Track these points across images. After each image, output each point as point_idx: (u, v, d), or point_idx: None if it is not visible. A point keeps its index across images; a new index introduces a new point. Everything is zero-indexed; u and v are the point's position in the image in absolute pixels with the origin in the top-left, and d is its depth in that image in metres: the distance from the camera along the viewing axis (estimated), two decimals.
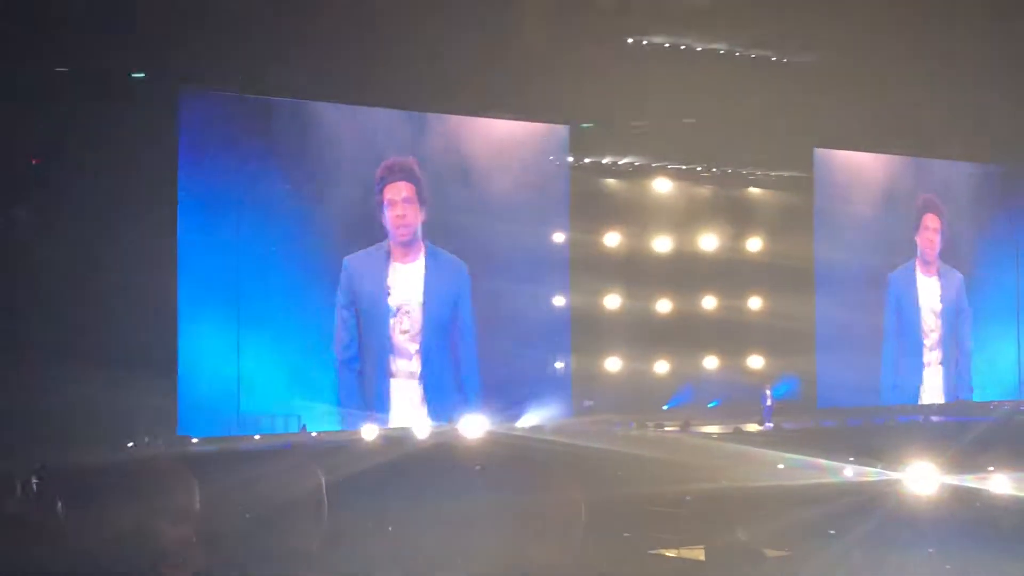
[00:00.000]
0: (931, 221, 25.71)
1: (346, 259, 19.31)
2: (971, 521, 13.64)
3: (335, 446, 15.45)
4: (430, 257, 20.01)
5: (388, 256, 19.73)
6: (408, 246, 19.89)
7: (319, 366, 19.03)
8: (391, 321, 19.57)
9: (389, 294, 19.53)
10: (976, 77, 23.21)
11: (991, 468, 16.53)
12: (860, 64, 22.91)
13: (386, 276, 19.65)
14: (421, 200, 19.98)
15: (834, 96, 22.77)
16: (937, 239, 25.72)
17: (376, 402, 19.31)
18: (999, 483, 15.03)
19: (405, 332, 19.55)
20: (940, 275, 25.78)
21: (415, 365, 19.64)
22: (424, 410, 19.57)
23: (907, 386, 25.21)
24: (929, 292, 25.65)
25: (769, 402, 22.15)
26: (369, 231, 19.67)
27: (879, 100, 23.39)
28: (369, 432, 17.50)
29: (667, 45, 22.36)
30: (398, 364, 19.57)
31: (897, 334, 25.20)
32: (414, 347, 19.67)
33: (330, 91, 19.46)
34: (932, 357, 25.60)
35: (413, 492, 14.09)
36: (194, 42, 17.60)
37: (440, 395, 19.86)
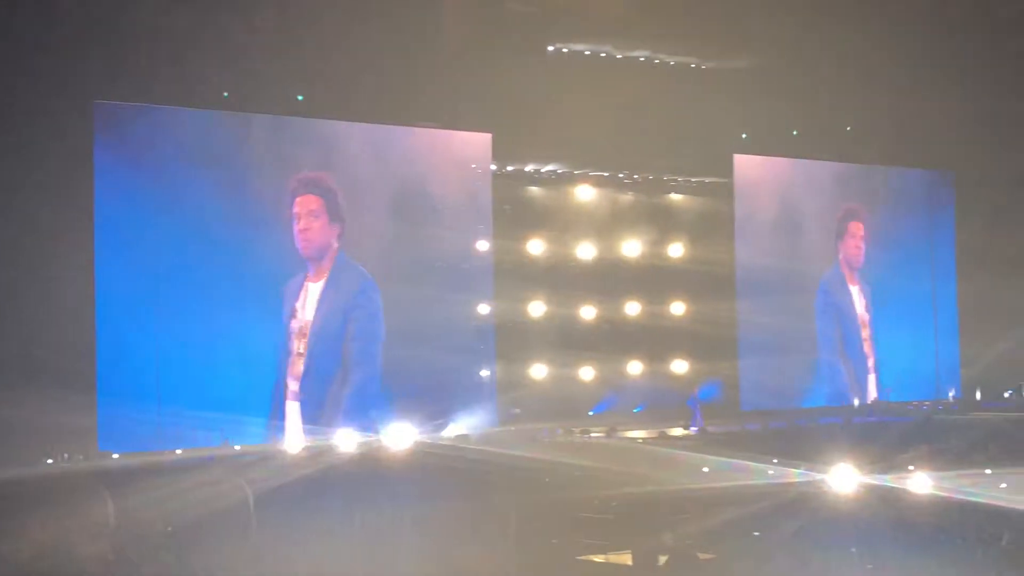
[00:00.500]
0: (856, 228, 26.08)
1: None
2: (892, 520, 13.82)
3: (258, 459, 15.30)
4: (335, 273, 19.89)
5: (305, 277, 19.70)
6: (318, 262, 19.80)
7: (241, 380, 18.87)
8: (293, 341, 19.51)
9: (294, 315, 19.50)
10: (897, 81, 23.63)
11: (911, 468, 16.77)
12: (780, 70, 23.19)
13: (298, 296, 19.58)
14: (331, 214, 19.89)
15: (754, 102, 23.03)
16: (862, 246, 26.08)
17: (279, 417, 19.27)
18: (919, 482, 15.25)
19: (301, 354, 19.51)
20: (861, 281, 26.15)
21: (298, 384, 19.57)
22: (303, 427, 19.40)
23: (834, 389, 25.52)
24: (855, 297, 26.03)
25: (699, 406, 22.31)
26: (286, 245, 19.59)
27: (799, 106, 23.70)
28: (292, 445, 17.36)
29: (587, 53, 22.49)
30: (290, 382, 19.50)
31: (826, 337, 25.57)
32: (301, 364, 19.59)
33: (250, 102, 19.32)
34: (859, 362, 25.99)
35: (338, 504, 14.00)
36: (108, 55, 17.41)
37: (324, 411, 19.64)
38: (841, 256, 25.97)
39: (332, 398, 19.71)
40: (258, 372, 19.21)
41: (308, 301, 19.57)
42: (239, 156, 19.30)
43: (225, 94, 18.98)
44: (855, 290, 26.08)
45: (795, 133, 24.69)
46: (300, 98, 19.56)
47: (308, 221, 19.67)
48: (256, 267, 19.21)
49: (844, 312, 25.95)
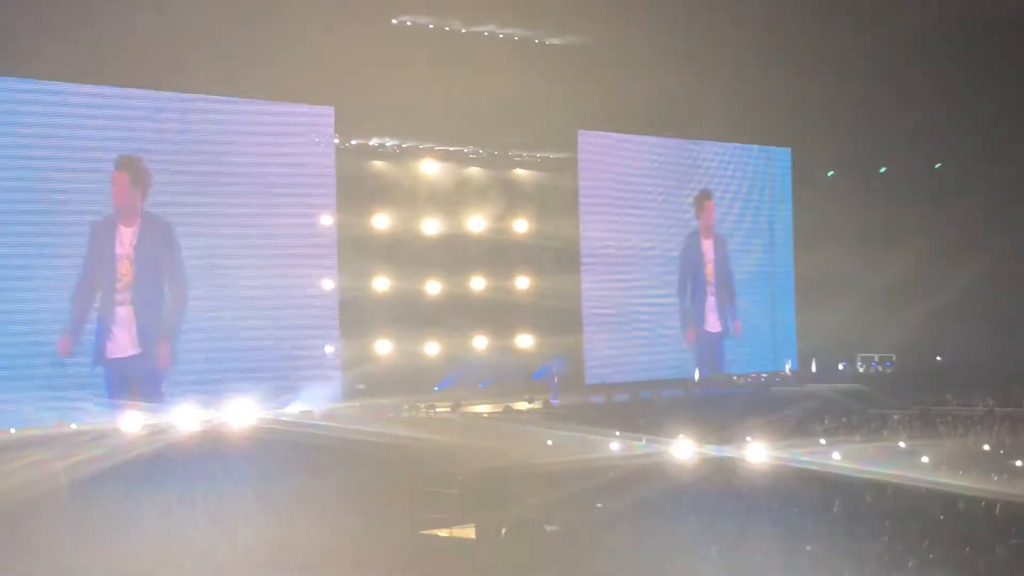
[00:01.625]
0: (709, 204, 26.58)
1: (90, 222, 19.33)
2: (730, 489, 14.14)
3: (93, 438, 14.92)
4: (145, 220, 19.77)
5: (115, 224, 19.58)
6: (128, 216, 19.67)
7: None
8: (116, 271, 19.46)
9: (114, 250, 19.49)
10: (739, 60, 24.04)
11: (748, 438, 17.18)
12: (622, 47, 23.38)
13: (114, 237, 19.47)
14: (135, 185, 19.64)
15: (598, 78, 23.17)
16: (709, 222, 26.59)
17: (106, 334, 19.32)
18: (756, 452, 15.63)
19: (122, 279, 19.40)
20: (715, 242, 26.65)
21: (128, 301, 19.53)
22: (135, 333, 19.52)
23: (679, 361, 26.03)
24: (707, 256, 26.61)
25: (556, 379, 22.48)
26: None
27: (642, 82, 23.91)
28: (130, 423, 16.96)
29: (432, 26, 22.38)
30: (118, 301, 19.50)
31: (691, 290, 26.24)
32: (127, 293, 19.54)
33: (84, 72, 18.80)
34: (712, 310, 26.65)
35: (180, 482, 13.74)
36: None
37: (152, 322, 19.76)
38: (680, 229, 26.38)
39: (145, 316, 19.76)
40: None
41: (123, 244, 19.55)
42: (68, 126, 18.91)
43: None
44: (694, 262, 26.50)
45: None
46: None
47: (119, 188, 19.50)
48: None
49: (700, 271, 26.49)
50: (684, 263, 26.31)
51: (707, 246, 26.74)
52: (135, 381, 19.36)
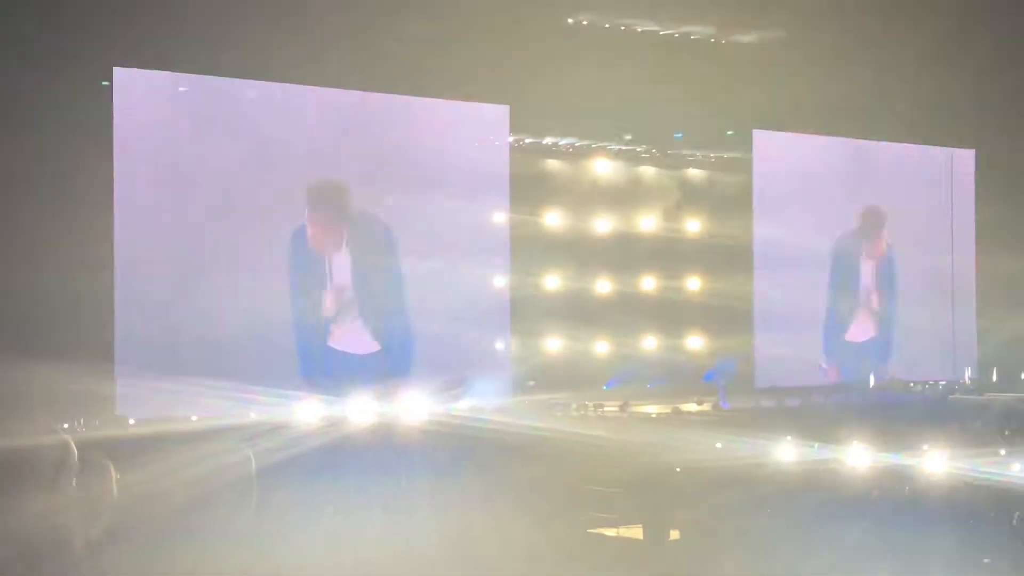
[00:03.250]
0: (874, 205, 25.93)
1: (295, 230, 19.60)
2: (906, 499, 13.82)
3: (269, 429, 15.31)
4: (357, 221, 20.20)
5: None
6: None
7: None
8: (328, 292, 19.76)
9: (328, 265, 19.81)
10: (920, 58, 23.46)
11: (925, 447, 16.75)
12: (799, 45, 23.04)
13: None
14: (342, 217, 20.07)
15: (774, 77, 22.88)
16: (880, 223, 25.95)
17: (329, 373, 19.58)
18: (934, 461, 15.22)
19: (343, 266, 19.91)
20: (877, 256, 26.03)
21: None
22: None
23: (845, 355, 25.49)
24: (870, 271, 25.92)
25: (724, 382, 22.29)
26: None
27: (819, 81, 23.50)
28: (305, 414, 17.35)
29: (607, 25, 22.38)
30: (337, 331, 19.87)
31: (838, 291, 25.54)
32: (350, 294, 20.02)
33: (274, 71, 19.29)
34: (874, 339, 25.90)
35: (356, 477, 14.02)
36: (125, 21, 17.38)
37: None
38: (857, 231, 25.84)
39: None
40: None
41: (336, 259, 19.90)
42: (268, 126, 19.40)
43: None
44: (871, 265, 25.96)
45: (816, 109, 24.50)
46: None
47: (326, 225, 19.91)
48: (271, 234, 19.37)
49: (858, 287, 25.88)
50: (836, 269, 25.61)
51: (867, 251, 26.04)
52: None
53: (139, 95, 18.33)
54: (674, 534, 13.22)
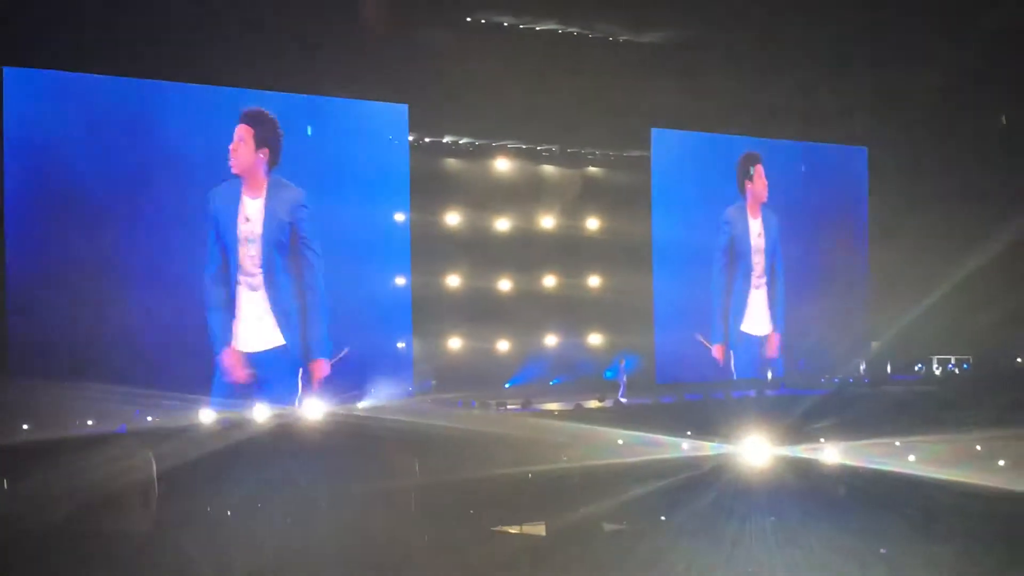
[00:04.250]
0: (759, 169, 26.10)
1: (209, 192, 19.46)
2: (803, 490, 14.00)
3: (171, 432, 15.11)
4: (271, 188, 19.94)
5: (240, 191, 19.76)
6: (251, 180, 19.78)
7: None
8: (239, 248, 19.64)
9: (238, 223, 19.64)
10: (812, 58, 23.84)
11: (822, 439, 17.01)
12: (697, 46, 23.28)
13: (237, 207, 19.65)
14: (258, 141, 19.83)
15: (672, 76, 23.09)
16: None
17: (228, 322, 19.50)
18: (829, 453, 15.46)
19: (251, 256, 19.57)
20: (763, 217, 26.26)
21: (259, 287, 19.74)
22: (271, 327, 19.65)
23: (747, 362, 25.74)
24: (754, 230, 26.18)
25: (624, 377, 22.43)
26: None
27: (716, 81, 23.77)
28: (206, 417, 17.17)
29: (505, 24, 22.40)
30: (245, 286, 19.74)
31: (727, 267, 25.71)
32: (258, 271, 19.77)
33: (169, 70, 19.04)
34: (759, 291, 26.15)
35: (256, 478, 13.87)
36: (19, 21, 17.06)
37: (286, 318, 19.97)
38: (753, 226, 26.11)
39: (280, 307, 20.01)
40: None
41: (250, 216, 19.75)
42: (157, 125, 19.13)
43: None
44: (757, 225, 26.12)
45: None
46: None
47: (236, 144, 19.68)
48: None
49: (750, 244, 26.11)
50: (725, 250, 25.64)
51: (755, 226, 26.15)
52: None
53: (30, 95, 17.97)
54: (576, 530, 13.25)
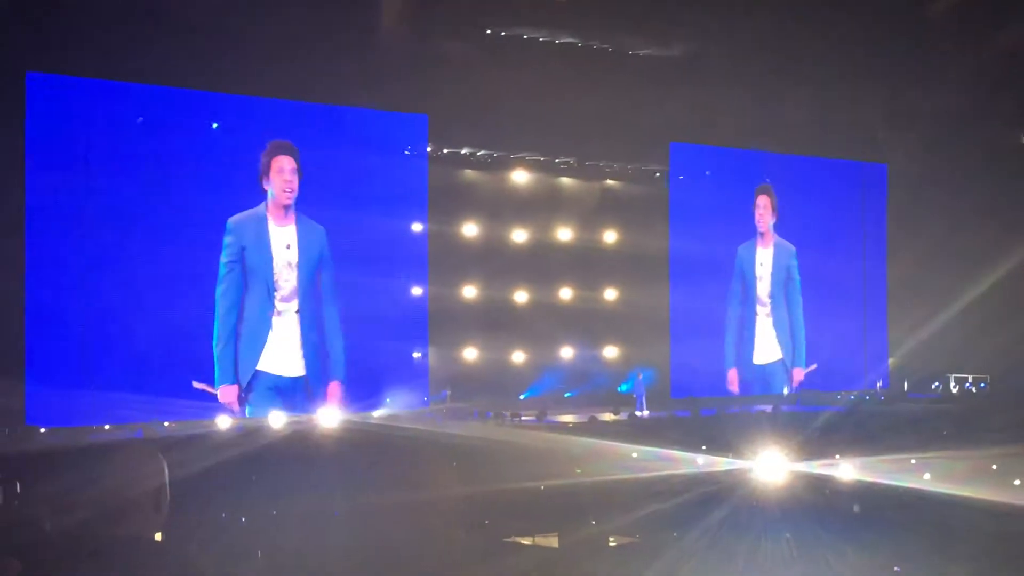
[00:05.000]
0: (762, 200, 26.07)
1: (230, 220, 19.51)
2: (818, 506, 13.97)
3: (188, 437, 15.16)
4: (300, 223, 20.08)
5: (266, 219, 19.84)
6: (288, 210, 19.96)
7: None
8: (274, 278, 19.71)
9: (271, 251, 19.72)
10: (833, 74, 23.83)
11: (837, 456, 16.98)
12: (717, 60, 23.29)
13: (268, 234, 19.77)
14: (299, 171, 20.02)
15: (691, 90, 23.11)
16: (768, 215, 26.09)
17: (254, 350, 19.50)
18: (845, 469, 15.43)
19: (288, 282, 19.79)
20: (775, 246, 26.21)
21: (292, 321, 19.80)
22: (301, 362, 19.74)
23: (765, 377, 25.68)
24: (763, 261, 26.14)
25: (643, 391, 22.46)
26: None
27: (737, 95, 23.79)
28: (223, 423, 17.24)
29: (525, 37, 22.45)
30: (279, 313, 19.85)
31: (741, 301, 25.67)
32: (292, 305, 19.86)
33: (193, 78, 19.12)
34: (767, 322, 26.11)
35: (272, 484, 13.90)
36: (45, 26, 17.15)
37: (313, 352, 20.05)
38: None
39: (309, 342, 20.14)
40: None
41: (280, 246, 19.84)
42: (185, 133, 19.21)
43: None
44: (767, 255, 26.11)
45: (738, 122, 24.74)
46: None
47: (292, 175, 19.86)
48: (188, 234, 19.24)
49: (757, 276, 26.03)
50: (734, 280, 25.66)
51: (763, 255, 26.17)
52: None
53: (52, 99, 18.06)
54: (590, 542, 13.24)
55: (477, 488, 15.14)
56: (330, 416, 17.86)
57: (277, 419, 17.42)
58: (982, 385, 26.64)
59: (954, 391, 26.64)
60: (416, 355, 21.49)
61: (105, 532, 5.01)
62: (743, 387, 25.41)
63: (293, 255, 19.90)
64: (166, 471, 5.67)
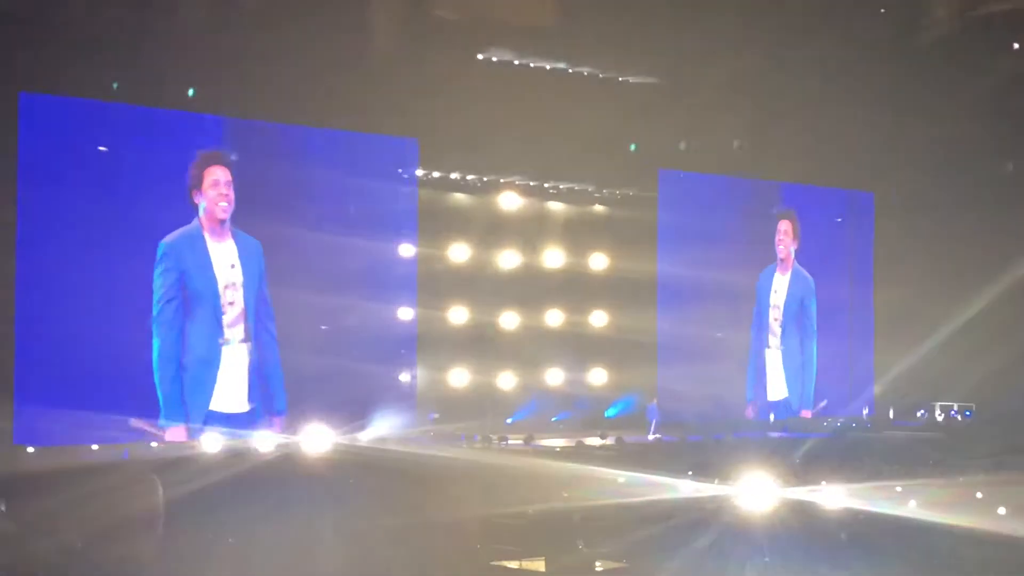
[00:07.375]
0: (784, 226, 26.14)
1: (163, 241, 18.51)
2: (804, 532, 14.05)
3: (173, 458, 15.15)
4: (238, 238, 19.27)
5: (203, 237, 18.99)
6: (223, 225, 19.14)
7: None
8: (220, 302, 19.04)
9: (214, 273, 18.91)
10: (821, 102, 23.98)
11: (823, 482, 17.06)
12: (705, 87, 23.39)
13: (208, 254, 18.99)
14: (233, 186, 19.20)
15: (678, 117, 23.25)
16: (788, 241, 26.14)
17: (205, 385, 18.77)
18: (831, 496, 15.50)
19: (232, 306, 19.03)
20: (793, 274, 26.27)
21: (241, 346, 19.16)
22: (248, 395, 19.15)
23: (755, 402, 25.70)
24: (778, 288, 26.17)
25: (656, 418, 22.53)
26: None
27: (725, 122, 23.91)
28: (210, 443, 17.22)
29: (516, 62, 22.54)
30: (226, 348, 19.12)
31: (756, 329, 25.71)
32: (238, 331, 19.16)
33: (181, 99, 19.11)
34: (776, 355, 26.11)
35: (259, 507, 13.90)
36: (36, 46, 17.17)
37: (263, 382, 19.44)
38: (758, 267, 26.11)
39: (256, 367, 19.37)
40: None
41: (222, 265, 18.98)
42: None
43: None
44: (783, 283, 26.11)
45: (737, 145, 24.80)
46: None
47: (226, 188, 18.94)
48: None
49: (771, 304, 26.03)
50: (754, 311, 25.63)
51: (780, 284, 26.24)
52: None
53: (45, 120, 18.04)
54: (576, 566, 13.30)
55: (464, 512, 15.17)
56: (315, 439, 17.84)
57: (264, 441, 17.40)
58: (967, 413, 26.71)
59: (939, 419, 26.70)
60: (404, 378, 21.47)
61: (99, 553, 5.05)
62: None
63: (238, 274, 19.20)
64: (160, 492, 5.74)
